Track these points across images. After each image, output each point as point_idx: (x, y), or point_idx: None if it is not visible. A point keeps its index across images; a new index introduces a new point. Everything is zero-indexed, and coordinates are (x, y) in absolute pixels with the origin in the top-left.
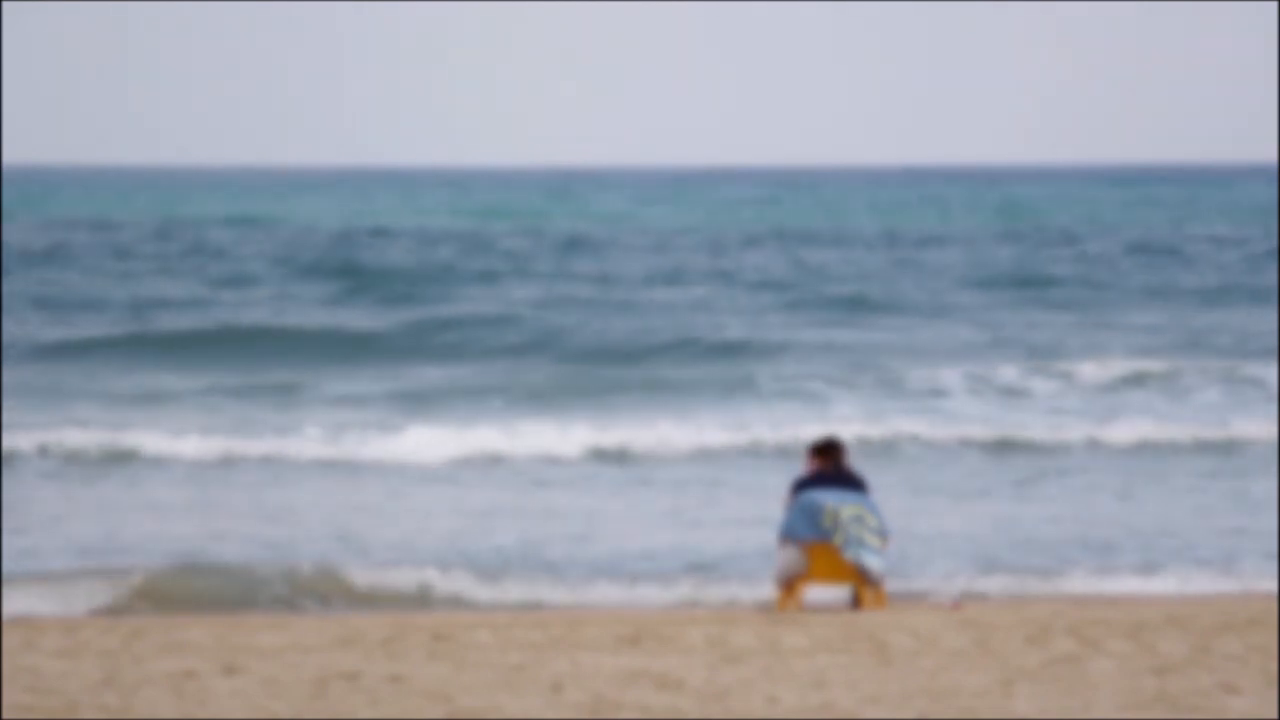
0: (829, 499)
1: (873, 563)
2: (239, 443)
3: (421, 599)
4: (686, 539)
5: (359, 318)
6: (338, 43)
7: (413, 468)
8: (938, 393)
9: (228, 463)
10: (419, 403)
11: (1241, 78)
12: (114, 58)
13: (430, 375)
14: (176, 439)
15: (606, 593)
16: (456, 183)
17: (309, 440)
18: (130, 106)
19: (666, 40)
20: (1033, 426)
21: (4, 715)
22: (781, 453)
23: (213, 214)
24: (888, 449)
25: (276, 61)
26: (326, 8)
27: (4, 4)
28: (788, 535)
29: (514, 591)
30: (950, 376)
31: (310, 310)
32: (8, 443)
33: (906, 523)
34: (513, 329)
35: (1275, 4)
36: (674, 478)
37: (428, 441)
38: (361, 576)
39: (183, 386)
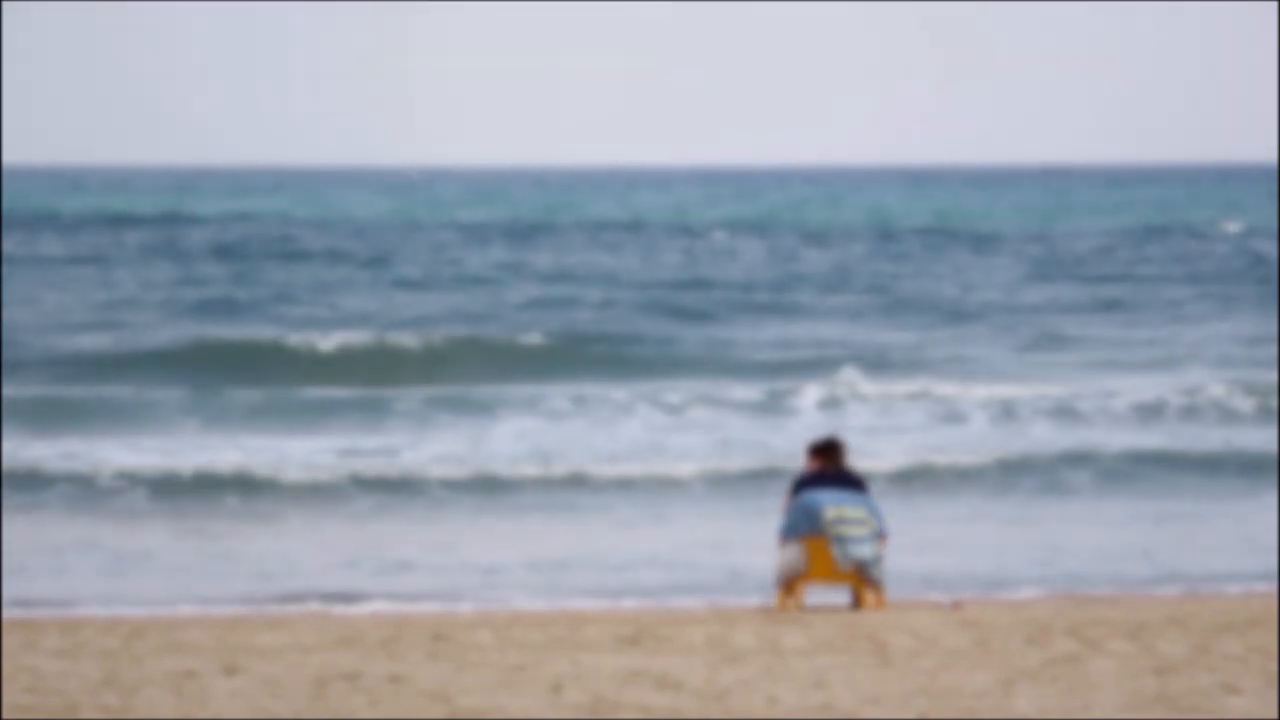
0: (828, 499)
1: (868, 556)
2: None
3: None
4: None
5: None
6: (341, 42)
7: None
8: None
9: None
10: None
11: (1242, 77)
12: (114, 58)
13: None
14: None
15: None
16: (479, 183)
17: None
18: (130, 107)
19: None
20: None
21: (4, 715)
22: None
23: (285, 212)
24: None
25: (279, 61)
26: (326, 7)
27: (4, 4)
28: (787, 535)
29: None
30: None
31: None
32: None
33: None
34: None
35: (1275, 3)
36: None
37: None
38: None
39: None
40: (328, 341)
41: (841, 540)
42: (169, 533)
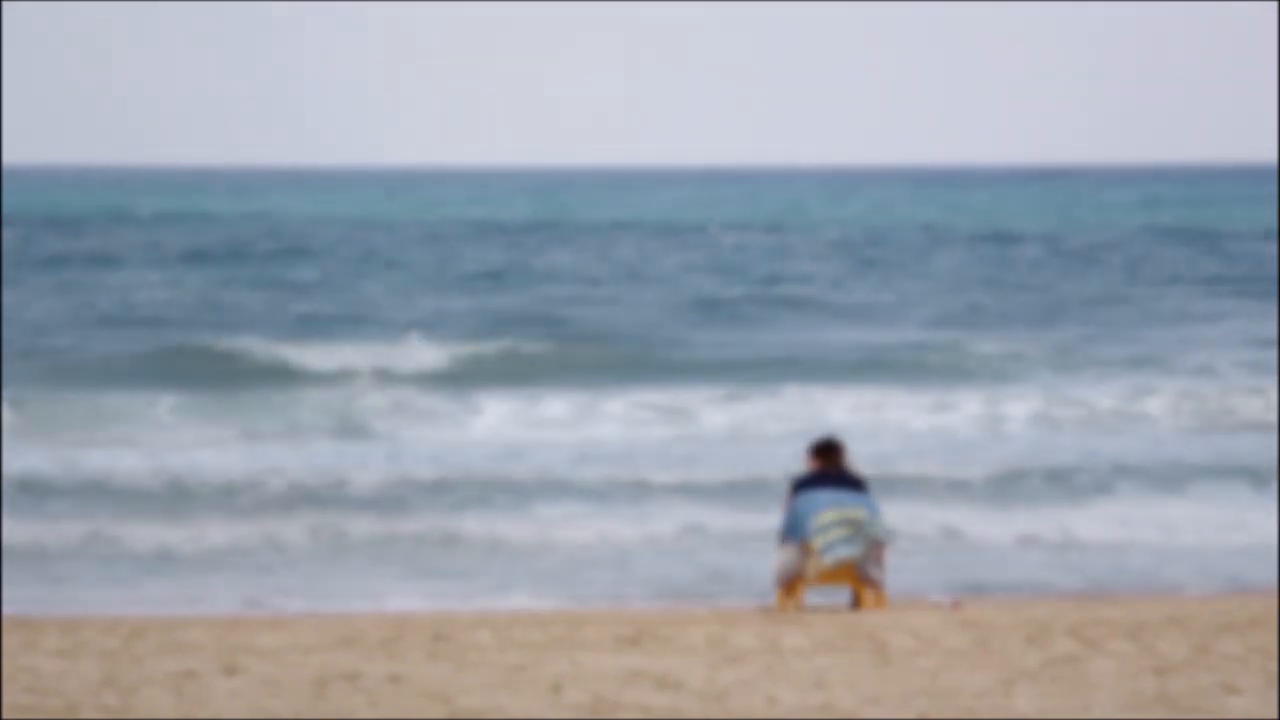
0: (827, 500)
1: (856, 555)
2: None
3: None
4: None
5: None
6: (342, 41)
7: None
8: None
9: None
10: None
11: (1243, 77)
12: (114, 58)
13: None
14: None
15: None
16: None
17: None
18: (130, 107)
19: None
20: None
21: (4, 715)
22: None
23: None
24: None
25: (279, 61)
26: (320, 6)
27: (3, 4)
28: (786, 536)
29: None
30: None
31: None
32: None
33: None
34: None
35: (1275, 3)
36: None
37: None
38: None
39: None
40: (326, 343)
41: (829, 544)
42: (168, 533)
